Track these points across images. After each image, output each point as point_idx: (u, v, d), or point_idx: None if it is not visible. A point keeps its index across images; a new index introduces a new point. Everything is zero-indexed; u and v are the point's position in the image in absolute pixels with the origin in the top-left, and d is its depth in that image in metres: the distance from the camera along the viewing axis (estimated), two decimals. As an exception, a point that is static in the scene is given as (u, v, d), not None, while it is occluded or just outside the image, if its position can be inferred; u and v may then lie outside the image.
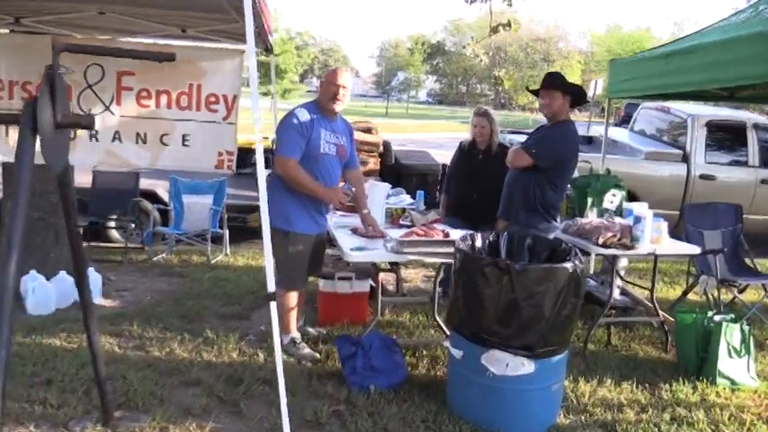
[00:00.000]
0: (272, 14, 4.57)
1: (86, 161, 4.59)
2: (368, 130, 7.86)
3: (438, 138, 22.52)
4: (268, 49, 4.76)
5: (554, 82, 3.94)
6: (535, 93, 4.09)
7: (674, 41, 5.06)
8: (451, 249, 3.17)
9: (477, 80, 57.69)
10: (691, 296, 5.17)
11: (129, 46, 4.41)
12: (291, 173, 3.45)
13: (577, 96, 3.96)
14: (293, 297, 3.73)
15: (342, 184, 4.01)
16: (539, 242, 3.31)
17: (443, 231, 3.58)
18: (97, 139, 4.43)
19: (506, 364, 2.87)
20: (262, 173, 2.35)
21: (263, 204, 2.32)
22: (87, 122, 1.77)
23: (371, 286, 4.84)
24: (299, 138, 3.43)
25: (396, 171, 8.05)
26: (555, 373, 2.99)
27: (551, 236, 3.95)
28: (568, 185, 4.39)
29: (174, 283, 5.23)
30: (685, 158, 7.41)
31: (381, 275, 5.21)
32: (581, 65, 46.44)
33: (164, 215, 6.54)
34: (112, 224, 6.48)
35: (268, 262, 2.49)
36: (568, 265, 2.84)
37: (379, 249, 3.47)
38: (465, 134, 4.90)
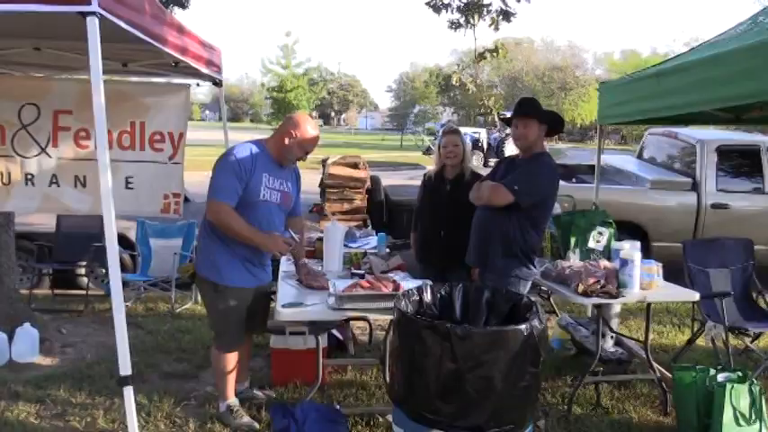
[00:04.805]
0: (219, 50, 4.23)
1: (23, 207, 4.23)
2: (354, 166, 7.46)
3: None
4: (216, 83, 4.41)
5: (529, 109, 3.48)
6: (507, 122, 3.64)
7: (667, 60, 4.59)
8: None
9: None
10: (701, 343, 4.59)
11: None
12: (224, 219, 3.04)
13: (553, 124, 3.50)
14: (230, 359, 3.28)
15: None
16: (499, 295, 2.80)
17: (394, 282, 3.11)
18: (33, 184, 4.07)
19: (452, 448, 2.37)
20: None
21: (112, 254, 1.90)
22: None
23: (338, 339, 4.39)
24: (237, 181, 3.02)
25: (385, 207, 7.63)
26: (513, 457, 2.47)
27: (529, 283, 3.47)
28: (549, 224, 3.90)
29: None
30: (695, 187, 6.86)
31: (353, 324, 4.75)
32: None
33: (136, 260, 6.20)
34: (82, 270, 6.16)
35: (120, 336, 2.06)
36: (523, 326, 2.34)
37: (319, 305, 3.01)
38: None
